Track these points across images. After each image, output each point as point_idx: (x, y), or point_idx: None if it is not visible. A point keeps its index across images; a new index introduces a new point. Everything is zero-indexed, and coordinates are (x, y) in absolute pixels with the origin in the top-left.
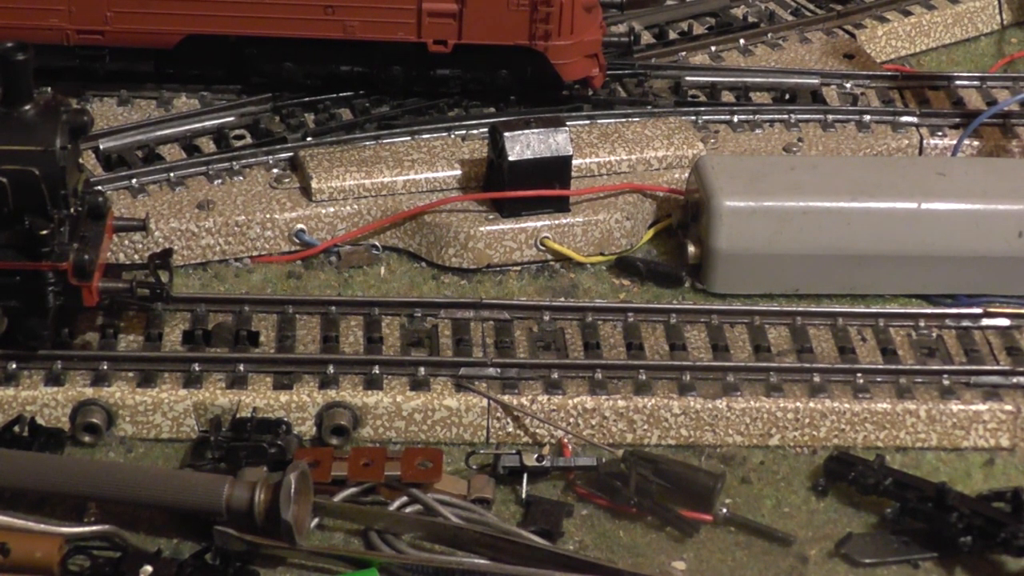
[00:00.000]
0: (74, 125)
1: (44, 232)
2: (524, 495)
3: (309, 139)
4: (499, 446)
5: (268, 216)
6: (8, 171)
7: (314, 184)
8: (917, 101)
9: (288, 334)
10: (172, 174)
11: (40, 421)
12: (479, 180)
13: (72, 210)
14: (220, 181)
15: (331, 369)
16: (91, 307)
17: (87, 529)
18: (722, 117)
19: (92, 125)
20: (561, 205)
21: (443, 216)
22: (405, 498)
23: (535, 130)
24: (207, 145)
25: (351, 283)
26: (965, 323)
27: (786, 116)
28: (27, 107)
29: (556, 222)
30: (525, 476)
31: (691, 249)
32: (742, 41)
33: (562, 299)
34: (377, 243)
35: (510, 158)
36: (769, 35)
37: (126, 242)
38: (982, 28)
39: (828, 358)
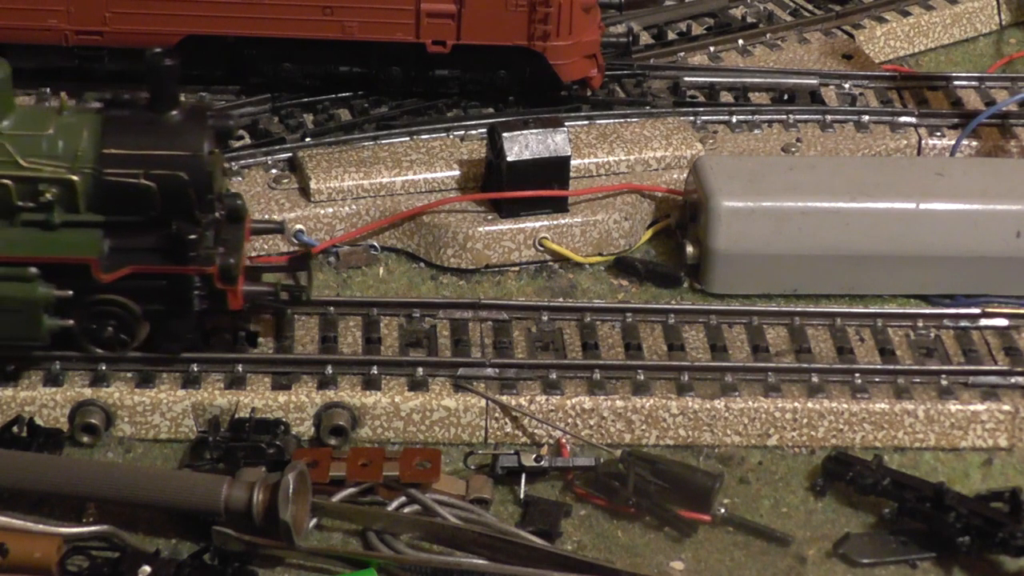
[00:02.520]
0: (220, 129)
1: (192, 237)
2: (522, 495)
3: (308, 139)
4: (497, 446)
5: (267, 217)
6: (157, 176)
7: (313, 185)
8: (916, 101)
9: (287, 334)
10: None
11: (39, 421)
12: (478, 180)
13: (216, 214)
14: None
15: (329, 369)
16: (235, 311)
17: (86, 529)
18: (721, 117)
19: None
20: (560, 205)
21: (442, 216)
22: (403, 498)
23: (533, 130)
24: None
25: (349, 283)
26: (963, 323)
27: (785, 116)
28: (173, 112)
29: (555, 222)
30: (523, 476)
31: (689, 249)
32: (741, 41)
33: (560, 299)
34: (376, 243)
35: (508, 158)
36: (768, 35)
37: None
38: (980, 28)
39: (826, 358)
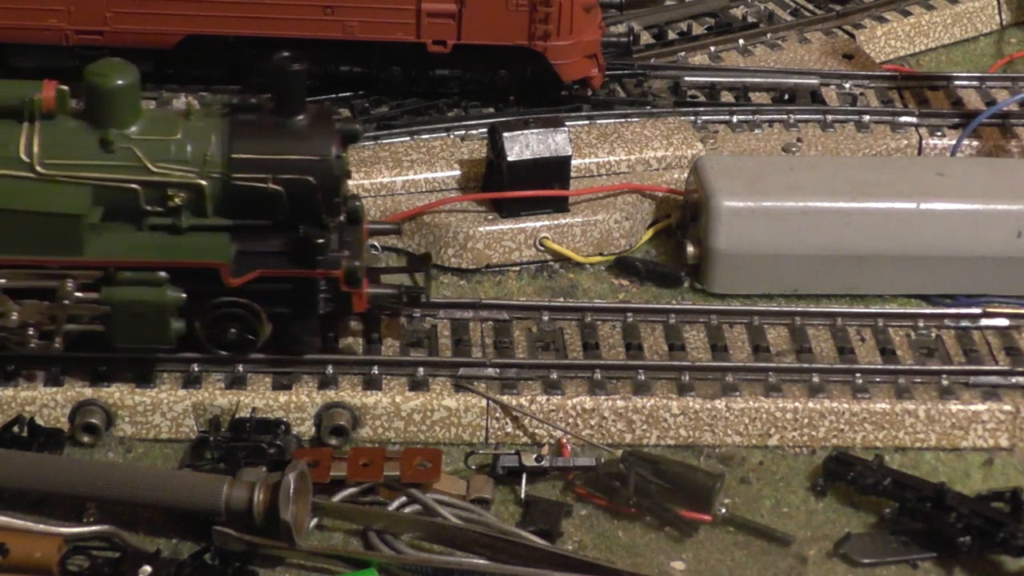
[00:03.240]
0: (346, 133)
1: (320, 240)
2: (523, 495)
3: None
4: (498, 446)
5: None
6: (285, 180)
7: None
8: (916, 101)
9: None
10: None
11: (39, 421)
12: (478, 180)
13: (341, 217)
14: None
15: (330, 369)
16: (359, 313)
17: (86, 529)
18: (721, 117)
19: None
20: (560, 205)
21: (442, 216)
22: (404, 498)
23: (534, 130)
24: None
25: None
26: (964, 323)
27: (785, 116)
28: (300, 116)
29: (555, 222)
30: (524, 476)
31: (690, 249)
32: (741, 41)
33: (561, 299)
34: (376, 243)
35: (509, 158)
36: (768, 35)
37: None
38: (981, 28)
39: (827, 358)
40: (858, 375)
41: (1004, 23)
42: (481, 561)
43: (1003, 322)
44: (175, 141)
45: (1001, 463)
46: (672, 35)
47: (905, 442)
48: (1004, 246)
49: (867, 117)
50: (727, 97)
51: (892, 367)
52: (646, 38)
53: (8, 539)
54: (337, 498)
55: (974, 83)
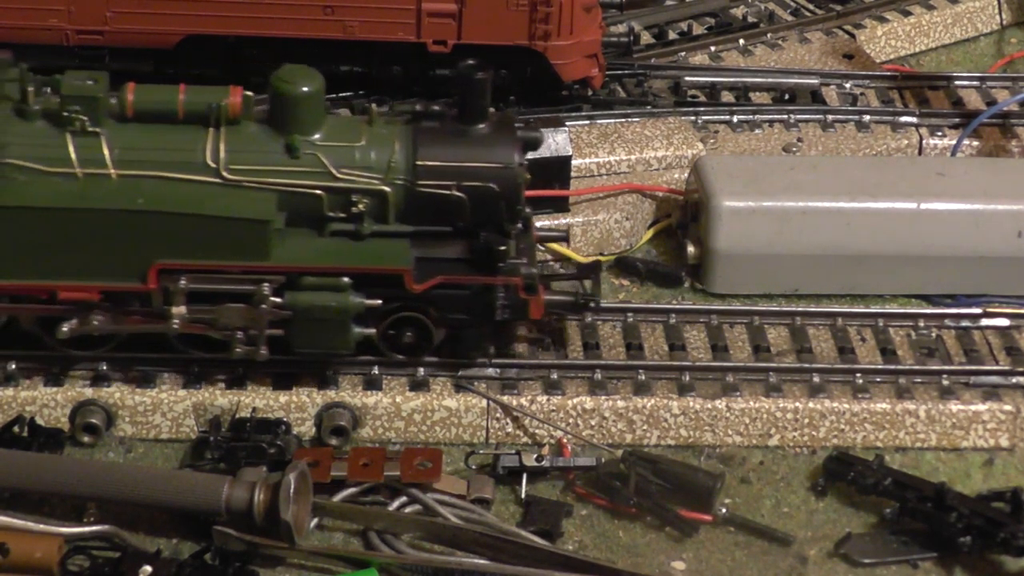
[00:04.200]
0: (527, 141)
1: (502, 248)
2: (523, 495)
3: None
4: (498, 446)
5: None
6: (468, 187)
7: None
8: (917, 101)
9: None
10: None
11: (40, 421)
12: None
13: (519, 224)
14: None
15: (330, 369)
16: (538, 319)
17: (86, 529)
18: (722, 117)
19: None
20: (560, 205)
21: None
22: (404, 498)
23: None
24: None
25: None
26: (964, 323)
27: (786, 116)
28: (483, 124)
29: (556, 222)
30: (524, 476)
31: (690, 249)
32: (742, 41)
33: None
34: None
35: None
36: (768, 35)
37: None
38: (981, 28)
39: (827, 358)
40: (858, 375)
41: (1004, 23)
42: (481, 561)
43: (1003, 322)
44: (359, 148)
45: (1001, 463)
46: (672, 35)
47: (905, 442)
48: (1004, 246)
49: (867, 117)
50: (727, 97)
51: (892, 367)
52: (646, 38)
53: (8, 539)
54: (337, 498)
55: (974, 83)
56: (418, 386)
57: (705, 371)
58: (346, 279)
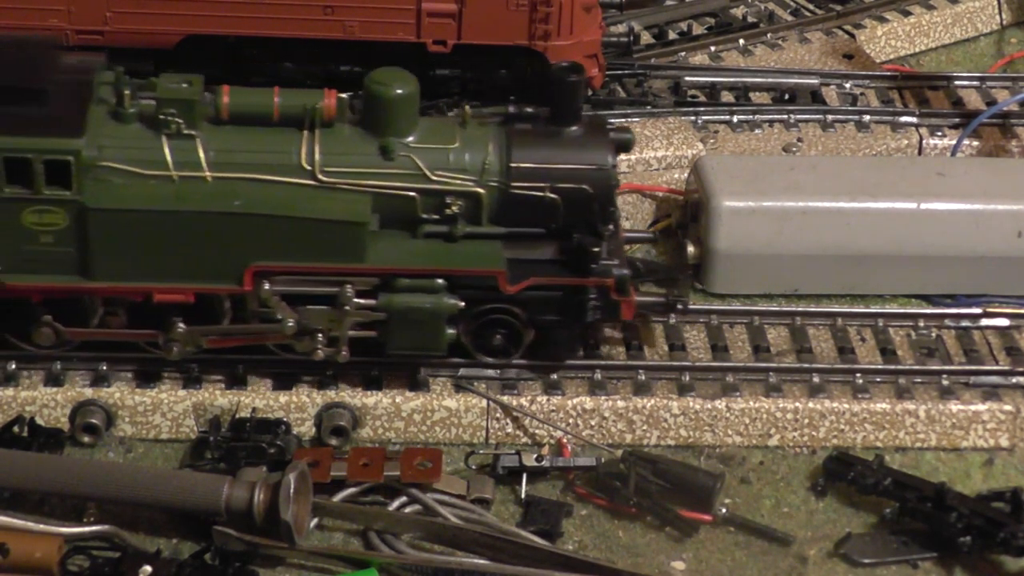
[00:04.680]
0: (620, 143)
1: (595, 249)
2: (523, 495)
3: None
4: (498, 446)
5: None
6: (562, 189)
7: None
8: (916, 101)
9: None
10: None
11: (40, 421)
12: None
13: (611, 226)
14: None
15: (330, 370)
16: (628, 321)
17: (86, 529)
18: (721, 117)
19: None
20: None
21: None
22: (404, 498)
23: None
24: None
25: None
26: (964, 323)
27: (785, 116)
28: (576, 126)
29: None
30: (524, 476)
31: (690, 249)
32: (742, 41)
33: None
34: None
35: None
36: (768, 35)
37: None
38: (981, 28)
39: (827, 358)
40: (858, 375)
41: (1004, 23)
42: (481, 561)
43: (1003, 322)
44: (453, 150)
45: (1001, 463)
46: (672, 35)
47: (905, 442)
48: (1004, 246)
49: (867, 117)
50: (727, 97)
51: (892, 367)
52: (646, 38)
53: (8, 539)
54: (337, 498)
55: (974, 83)
56: (418, 386)
57: (705, 371)
58: (440, 281)
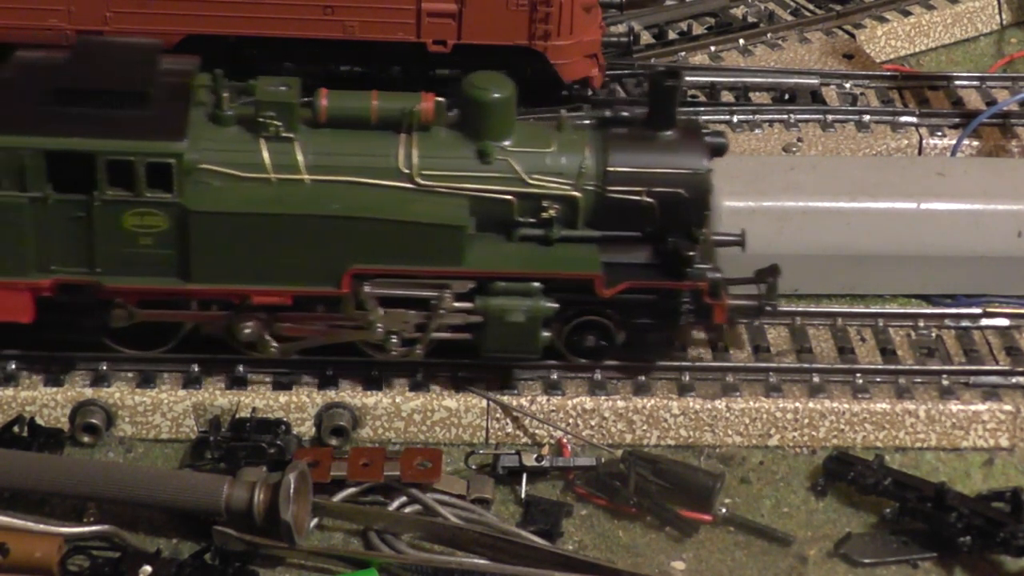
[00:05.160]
0: (714, 147)
1: (690, 253)
2: (523, 495)
3: None
4: (498, 446)
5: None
6: (658, 193)
7: None
8: (916, 101)
9: None
10: None
11: (40, 421)
12: None
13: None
14: None
15: (330, 370)
16: (720, 324)
17: (86, 529)
18: (722, 117)
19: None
20: None
21: None
22: (404, 498)
23: None
24: None
25: None
26: (964, 323)
27: (785, 116)
28: (671, 130)
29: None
30: (524, 476)
31: None
32: (742, 41)
33: None
34: None
35: None
36: (768, 35)
37: None
38: (981, 28)
39: (828, 358)
40: (858, 375)
41: (1004, 23)
42: (482, 561)
43: (1003, 322)
44: (550, 153)
45: (1001, 463)
46: (672, 35)
47: (905, 442)
48: (1004, 246)
49: (867, 117)
50: (727, 97)
51: (892, 367)
52: (646, 38)
53: (8, 539)
54: (337, 498)
55: (974, 83)
56: (418, 386)
57: (705, 371)
58: (537, 284)
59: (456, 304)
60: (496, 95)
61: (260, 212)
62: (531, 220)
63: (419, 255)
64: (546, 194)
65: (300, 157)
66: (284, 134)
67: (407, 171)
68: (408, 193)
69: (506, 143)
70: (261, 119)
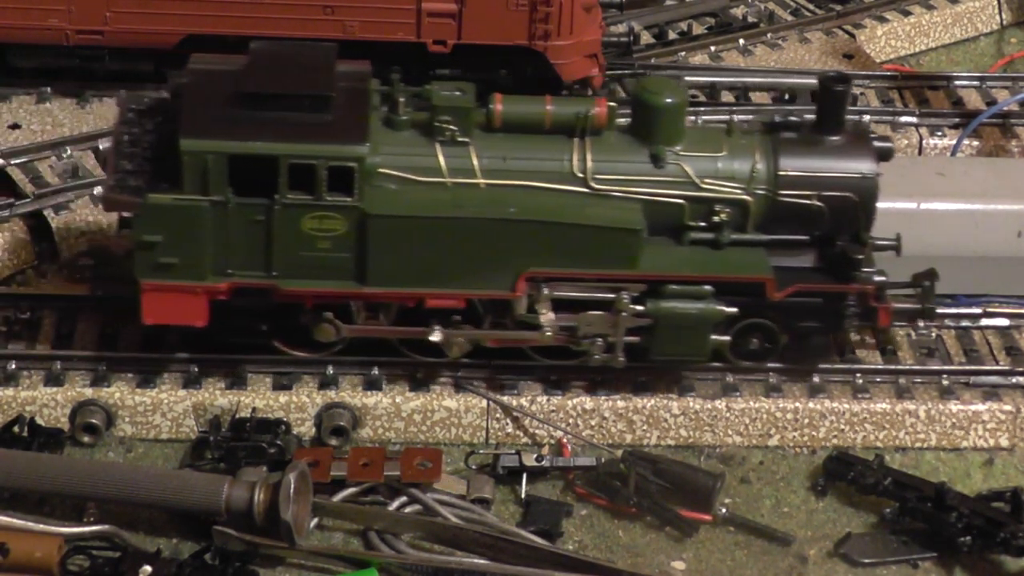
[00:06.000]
0: (881, 152)
1: (859, 257)
2: (523, 495)
3: None
4: (498, 446)
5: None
6: (828, 197)
7: None
8: (916, 101)
9: None
10: None
11: (40, 421)
12: None
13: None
14: None
15: (330, 370)
16: (885, 327)
17: (86, 529)
18: (722, 117)
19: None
20: None
21: None
22: (404, 498)
23: None
24: None
25: None
26: (964, 323)
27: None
28: (840, 135)
29: None
30: (524, 476)
31: None
32: (742, 41)
33: None
34: None
35: None
36: (768, 35)
37: None
38: (981, 28)
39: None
40: (858, 375)
41: (1004, 23)
42: (482, 561)
43: (1003, 322)
44: (721, 158)
45: (1001, 463)
46: (672, 35)
47: (905, 442)
48: (1004, 246)
49: (867, 117)
50: (727, 97)
51: (892, 367)
52: (646, 38)
53: (8, 539)
54: (337, 498)
55: (974, 83)
56: (418, 386)
57: (705, 371)
58: (709, 287)
59: (636, 308)
60: (669, 100)
61: (438, 216)
62: (701, 224)
63: (594, 258)
64: (718, 198)
65: (475, 161)
66: (460, 139)
67: (581, 175)
68: (582, 197)
69: (678, 148)
70: (437, 123)
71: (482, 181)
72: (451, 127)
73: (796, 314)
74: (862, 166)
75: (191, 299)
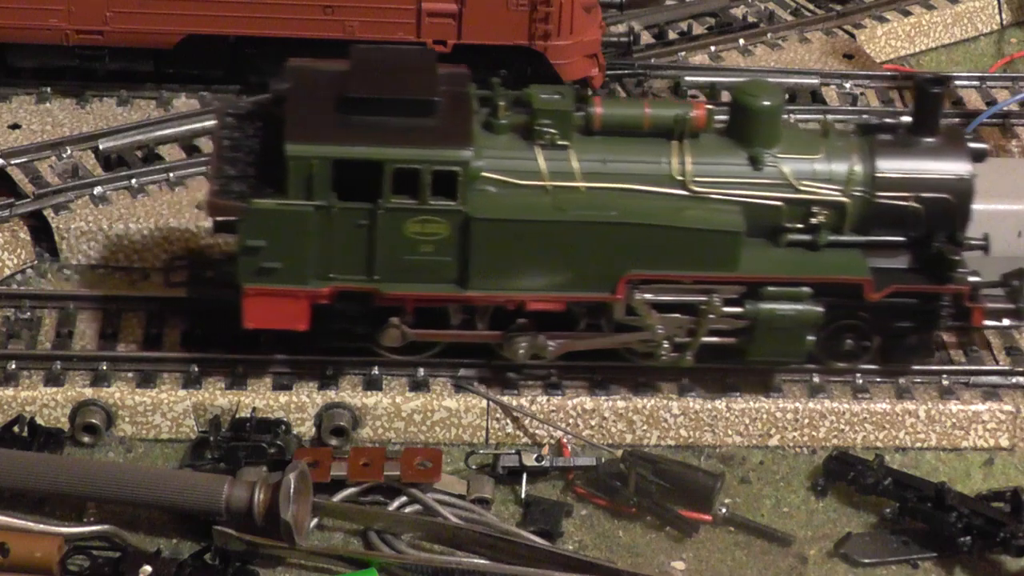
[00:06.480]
0: (976, 153)
1: (955, 258)
2: (523, 495)
3: None
4: (498, 446)
5: None
6: (925, 198)
7: None
8: None
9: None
10: (172, 174)
11: (40, 421)
12: None
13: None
14: None
15: (330, 370)
16: (978, 326)
17: (86, 529)
18: (722, 117)
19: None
20: None
21: None
22: (404, 498)
23: None
24: (207, 145)
25: None
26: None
27: (785, 116)
28: (935, 136)
29: None
30: (524, 476)
31: None
32: (742, 41)
33: None
34: None
35: None
36: (769, 35)
37: None
38: (981, 28)
39: None
40: (858, 375)
41: (1004, 23)
42: (482, 561)
43: (1004, 322)
44: (818, 160)
45: (1001, 463)
46: (672, 35)
47: (905, 442)
48: (1005, 246)
49: (867, 117)
50: (727, 97)
51: (892, 367)
52: (646, 38)
53: (9, 539)
54: (337, 498)
55: (974, 83)
56: (418, 386)
57: (705, 371)
58: (806, 289)
59: (725, 309)
60: (767, 103)
61: (541, 219)
62: (799, 225)
63: (695, 261)
64: (815, 200)
65: (575, 164)
66: (559, 142)
67: (680, 178)
68: (682, 199)
69: (775, 150)
70: (537, 127)
71: (582, 184)
72: (551, 130)
73: (892, 315)
74: (958, 167)
75: (293, 303)
